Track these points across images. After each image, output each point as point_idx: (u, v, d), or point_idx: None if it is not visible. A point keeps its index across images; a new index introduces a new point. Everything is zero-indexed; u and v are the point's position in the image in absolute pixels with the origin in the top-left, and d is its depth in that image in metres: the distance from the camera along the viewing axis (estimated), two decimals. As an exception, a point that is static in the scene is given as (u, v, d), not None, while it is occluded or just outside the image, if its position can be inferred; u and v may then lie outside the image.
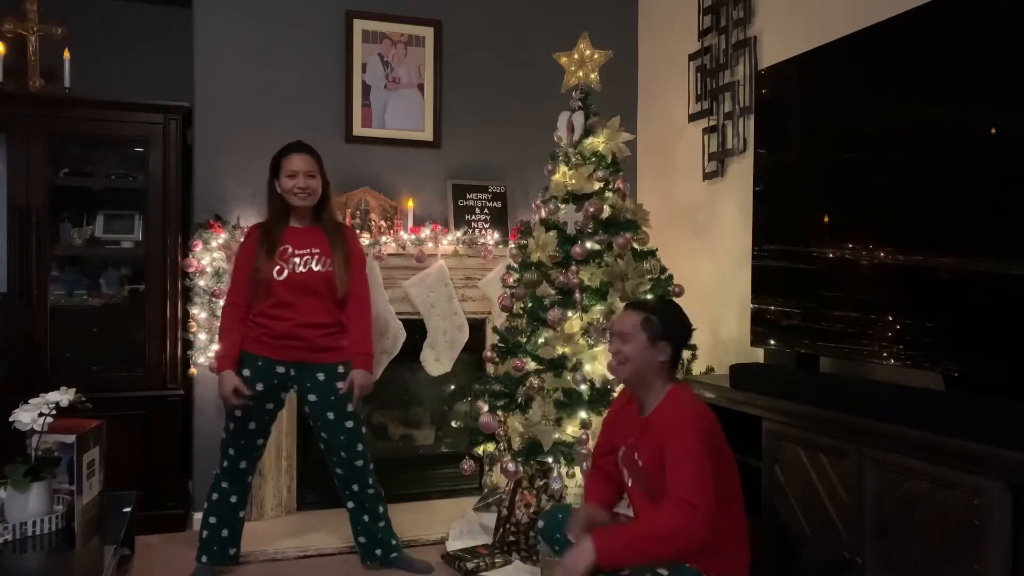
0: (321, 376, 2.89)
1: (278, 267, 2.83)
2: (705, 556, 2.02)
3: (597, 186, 3.07)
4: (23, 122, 3.33)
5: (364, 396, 2.94)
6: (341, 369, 2.90)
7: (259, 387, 2.84)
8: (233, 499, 2.91)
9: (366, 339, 2.96)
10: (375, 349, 3.50)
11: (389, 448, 4.02)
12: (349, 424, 2.93)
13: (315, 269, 2.86)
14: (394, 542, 3.07)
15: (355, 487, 2.98)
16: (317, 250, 2.88)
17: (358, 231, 3.66)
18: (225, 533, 2.91)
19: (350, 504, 3.03)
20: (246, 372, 2.83)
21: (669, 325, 2.24)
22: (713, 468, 2.02)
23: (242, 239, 3.04)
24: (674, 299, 2.74)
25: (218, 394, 2.86)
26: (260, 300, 2.85)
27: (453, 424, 4.01)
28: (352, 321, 2.94)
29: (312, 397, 2.91)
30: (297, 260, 2.85)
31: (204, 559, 2.91)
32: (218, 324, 3.40)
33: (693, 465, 2.00)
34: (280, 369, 2.87)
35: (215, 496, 2.91)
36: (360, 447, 2.96)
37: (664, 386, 2.23)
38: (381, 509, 3.04)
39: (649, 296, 2.96)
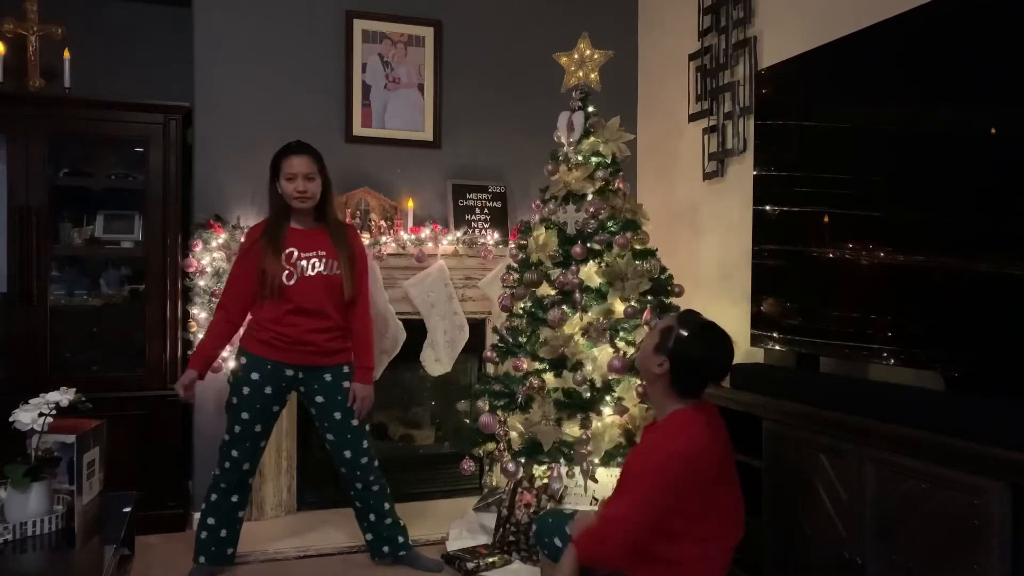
0: (328, 377, 2.91)
1: (287, 272, 2.80)
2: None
3: (597, 186, 3.07)
4: (23, 122, 3.32)
5: (366, 408, 2.95)
6: (346, 369, 2.95)
7: (267, 390, 2.84)
8: (234, 499, 2.90)
9: (369, 352, 2.99)
10: (376, 349, 3.53)
11: (389, 448, 4.01)
12: (355, 422, 2.94)
13: (324, 272, 2.85)
14: (402, 539, 3.07)
15: (359, 485, 2.98)
16: (323, 252, 2.87)
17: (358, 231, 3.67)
18: (224, 533, 2.90)
19: (357, 503, 3.04)
20: (255, 376, 2.81)
21: (681, 345, 2.09)
22: (661, 514, 1.98)
23: (242, 240, 3.01)
24: (708, 323, 2.22)
25: (180, 385, 2.86)
26: (270, 304, 2.82)
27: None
28: (358, 332, 2.97)
29: (319, 399, 2.92)
30: (304, 264, 2.84)
31: (202, 559, 2.90)
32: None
33: (628, 505, 2.02)
34: (289, 372, 2.87)
35: (214, 497, 2.89)
36: (365, 444, 2.98)
37: (670, 405, 2.13)
38: (387, 506, 3.04)
39: (649, 296, 2.97)
